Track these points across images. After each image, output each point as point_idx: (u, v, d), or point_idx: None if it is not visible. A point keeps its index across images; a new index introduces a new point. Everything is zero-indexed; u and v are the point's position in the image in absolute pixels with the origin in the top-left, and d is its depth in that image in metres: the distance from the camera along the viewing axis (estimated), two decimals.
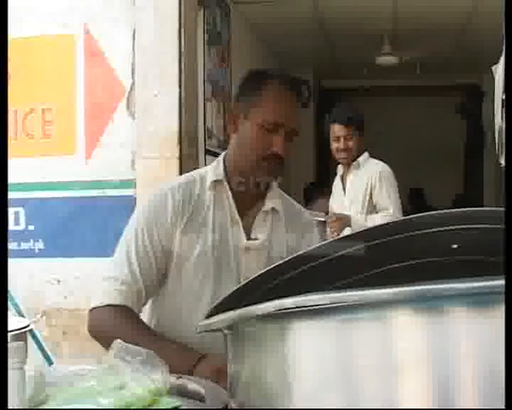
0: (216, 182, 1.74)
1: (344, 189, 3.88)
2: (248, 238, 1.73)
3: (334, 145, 3.77)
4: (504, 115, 2.87)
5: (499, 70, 3.22)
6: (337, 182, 3.99)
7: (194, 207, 1.71)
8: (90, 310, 1.68)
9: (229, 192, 1.73)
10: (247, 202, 1.75)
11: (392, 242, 0.96)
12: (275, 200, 1.79)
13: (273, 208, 1.77)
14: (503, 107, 3.18)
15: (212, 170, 1.77)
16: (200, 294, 1.67)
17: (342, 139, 3.73)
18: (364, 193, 3.74)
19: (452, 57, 7.02)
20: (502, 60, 3.19)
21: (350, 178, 3.84)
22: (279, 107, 1.66)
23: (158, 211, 1.69)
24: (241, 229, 1.72)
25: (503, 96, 3.16)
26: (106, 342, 1.32)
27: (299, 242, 1.78)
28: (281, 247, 1.75)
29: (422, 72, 7.61)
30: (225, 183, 1.74)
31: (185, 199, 1.70)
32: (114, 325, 1.62)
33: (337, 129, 3.74)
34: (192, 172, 1.83)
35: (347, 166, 3.84)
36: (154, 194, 1.76)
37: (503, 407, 0.72)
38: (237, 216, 1.72)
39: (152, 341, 1.52)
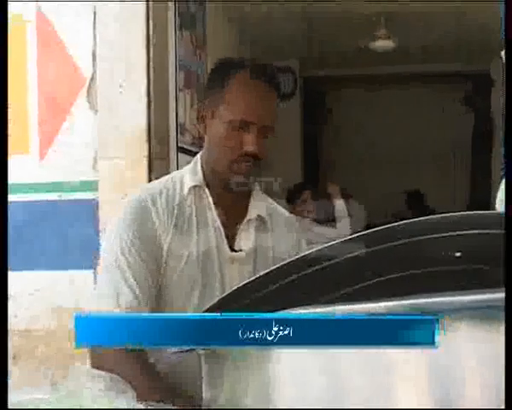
0: (195, 188, 1.73)
1: None
2: (232, 249, 1.73)
3: None
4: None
5: None
6: None
7: (178, 215, 1.69)
8: None
9: (210, 198, 1.73)
10: (230, 209, 1.74)
11: (390, 248, 0.97)
12: (260, 207, 1.79)
13: (258, 216, 1.77)
14: None
15: (189, 173, 1.76)
16: (186, 307, 1.65)
17: None
18: None
19: (457, 42, 7.03)
20: None
21: None
22: (247, 102, 1.65)
23: (142, 224, 1.65)
24: (225, 239, 1.72)
25: None
26: None
27: (290, 248, 1.79)
28: (267, 258, 1.75)
29: (423, 58, 7.61)
30: (205, 188, 1.73)
31: (168, 206, 1.69)
32: (127, 358, 1.49)
33: None
34: (172, 174, 1.82)
35: None
36: (131, 202, 1.71)
37: (503, 407, 0.76)
38: (220, 225, 1.72)
39: None
